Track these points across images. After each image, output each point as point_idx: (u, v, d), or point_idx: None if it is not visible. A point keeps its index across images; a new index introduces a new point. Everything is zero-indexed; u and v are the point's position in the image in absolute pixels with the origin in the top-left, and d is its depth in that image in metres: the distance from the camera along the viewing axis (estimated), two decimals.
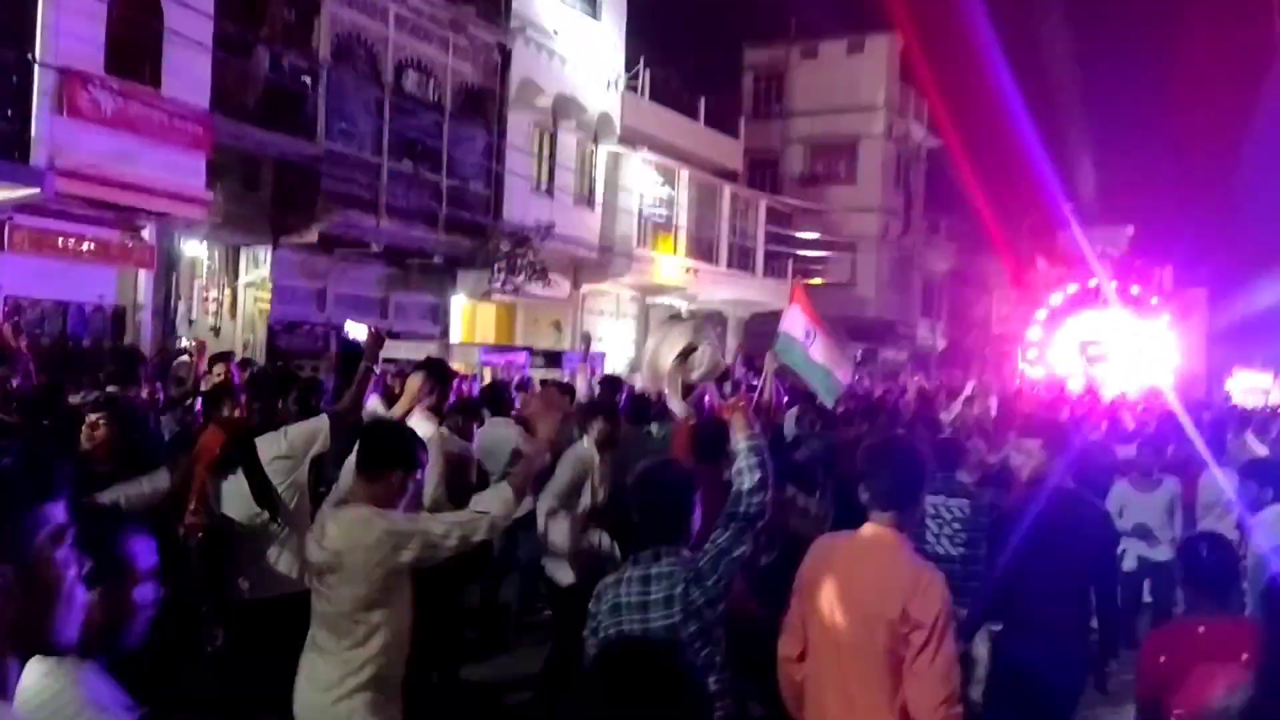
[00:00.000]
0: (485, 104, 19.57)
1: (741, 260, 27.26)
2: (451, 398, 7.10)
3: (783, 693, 3.53)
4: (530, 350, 18.00)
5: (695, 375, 4.22)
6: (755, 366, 9.80)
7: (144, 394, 7.58)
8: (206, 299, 15.20)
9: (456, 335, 19.39)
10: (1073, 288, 29.14)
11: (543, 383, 12.96)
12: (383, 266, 17.99)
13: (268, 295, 15.78)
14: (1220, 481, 7.09)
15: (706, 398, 6.35)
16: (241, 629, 4.90)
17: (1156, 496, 7.64)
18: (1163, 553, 7.47)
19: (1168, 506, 7.64)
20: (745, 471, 3.35)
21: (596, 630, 3.32)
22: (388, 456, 3.73)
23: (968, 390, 9.63)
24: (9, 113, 11.49)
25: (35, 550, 1.49)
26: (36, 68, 11.59)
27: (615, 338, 24.01)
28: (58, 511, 1.53)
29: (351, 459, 3.98)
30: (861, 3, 29.74)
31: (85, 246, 12.81)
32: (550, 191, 21.22)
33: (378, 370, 5.23)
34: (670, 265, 24.36)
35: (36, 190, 11.51)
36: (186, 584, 4.61)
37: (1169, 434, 9.04)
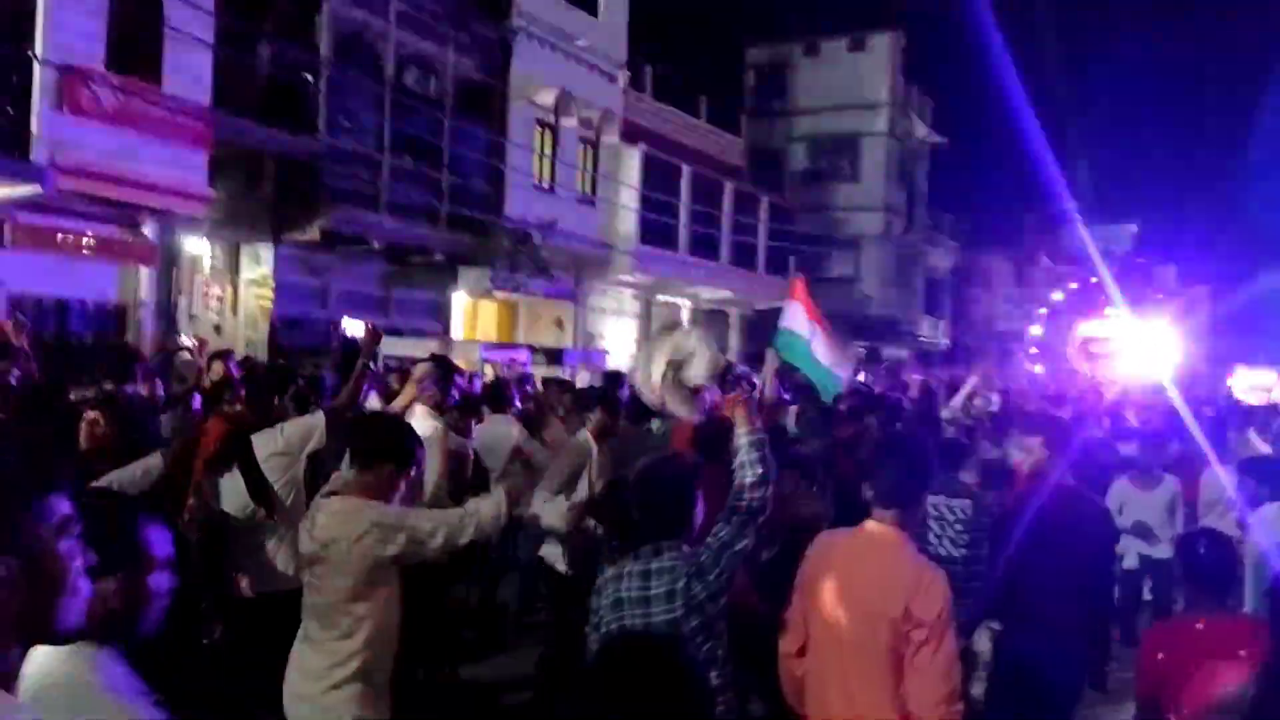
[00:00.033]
0: (487, 100, 19.56)
1: (743, 258, 27.23)
2: (454, 395, 7.09)
3: (784, 687, 3.54)
4: (532, 348, 17.99)
5: (696, 380, 4.21)
6: (757, 365, 9.78)
7: (143, 391, 7.57)
8: (208, 296, 15.19)
9: (458, 332, 19.38)
10: (1075, 285, 29.12)
11: (544, 380, 12.96)
12: (384, 263, 17.98)
13: (269, 292, 15.77)
14: (1222, 479, 7.07)
15: (707, 395, 6.32)
16: (241, 624, 4.90)
17: (1157, 494, 7.63)
18: (1163, 550, 7.45)
19: (1168, 504, 7.62)
20: (747, 466, 3.36)
21: (598, 625, 3.32)
22: (378, 448, 3.74)
23: (969, 385, 9.59)
24: (9, 109, 11.48)
25: (40, 542, 1.50)
26: (37, 64, 11.58)
27: (617, 335, 23.99)
28: (62, 504, 1.55)
29: None
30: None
31: (86, 243, 12.80)
32: (552, 188, 21.21)
33: (374, 367, 5.23)
34: (672, 262, 24.34)
35: (37, 187, 11.50)
36: (186, 578, 4.60)
37: (1171, 431, 9.01)
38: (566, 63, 21.29)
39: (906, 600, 3.13)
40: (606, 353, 20.90)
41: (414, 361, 7.02)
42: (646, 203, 23.07)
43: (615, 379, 9.30)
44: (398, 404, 5.14)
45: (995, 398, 10.99)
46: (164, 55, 13.04)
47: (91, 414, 5.15)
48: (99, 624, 1.92)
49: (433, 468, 5.96)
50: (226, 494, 4.88)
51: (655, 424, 7.68)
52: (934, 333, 37.72)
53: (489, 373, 15.12)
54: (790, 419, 8.89)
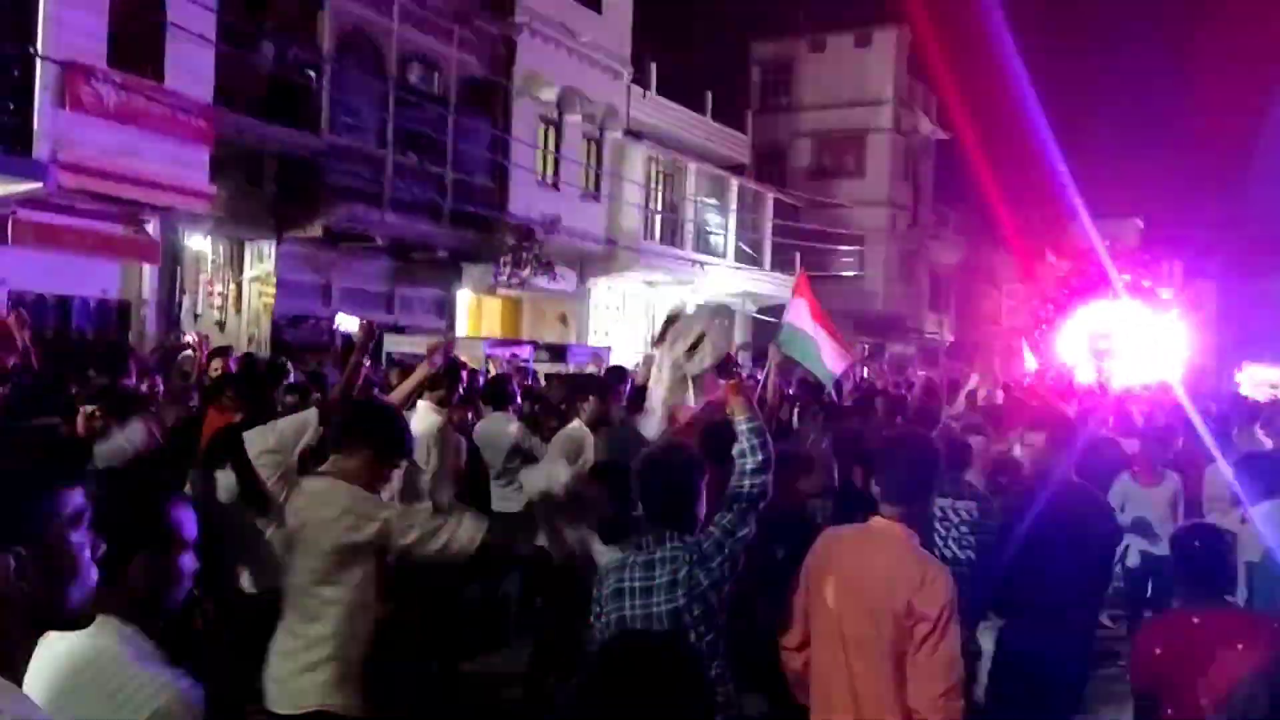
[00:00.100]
0: (490, 97, 19.55)
1: (748, 254, 27.20)
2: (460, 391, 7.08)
3: (787, 680, 3.54)
4: (535, 344, 17.98)
5: (703, 364, 4.20)
6: (763, 361, 9.76)
7: (143, 387, 7.58)
8: (211, 293, 15.21)
9: (462, 329, 19.39)
10: (1082, 281, 29.04)
11: (548, 377, 12.95)
12: (387, 260, 17.99)
13: (272, 289, 15.79)
14: (1226, 475, 7.03)
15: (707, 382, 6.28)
16: (242, 622, 4.88)
17: (1159, 491, 7.59)
18: (1164, 548, 7.39)
19: (1170, 501, 7.58)
20: (747, 453, 3.37)
21: (600, 615, 3.32)
22: (358, 432, 3.71)
23: (971, 383, 9.54)
24: (11, 106, 11.50)
25: (53, 533, 1.54)
26: (39, 61, 11.58)
27: (622, 332, 23.97)
28: (75, 496, 1.58)
29: None
30: None
31: (89, 240, 12.81)
32: (556, 185, 21.19)
33: (367, 364, 5.23)
34: (677, 259, 24.32)
35: (39, 184, 11.52)
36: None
37: (1175, 428, 8.96)
38: (570, 59, 21.28)
39: (910, 595, 3.12)
40: (610, 349, 20.88)
41: (417, 359, 6.98)
42: (651, 199, 23.06)
43: (618, 373, 9.26)
44: (406, 388, 5.08)
45: (999, 393, 10.95)
46: (166, 52, 13.05)
47: (89, 407, 5.18)
48: (126, 602, 1.97)
49: (432, 462, 5.94)
50: (225, 491, 4.86)
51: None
52: (939, 329, 37.67)
53: (492, 369, 15.09)
54: (795, 415, 8.86)
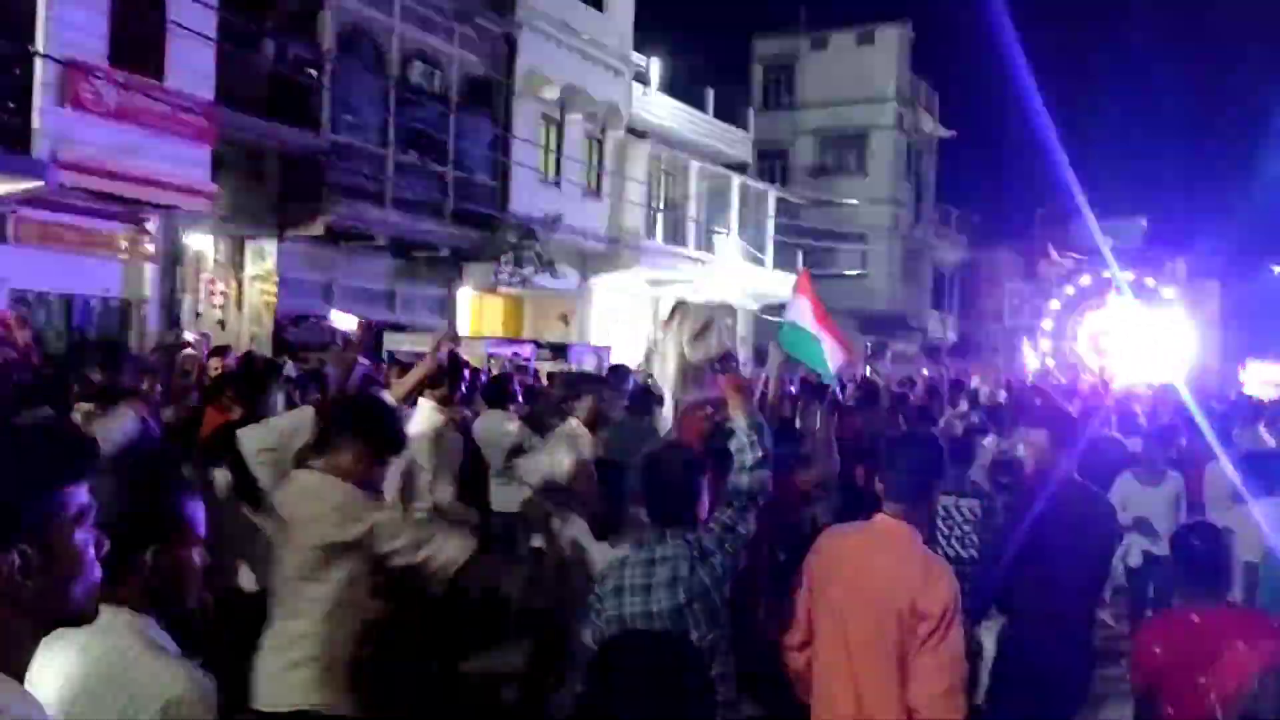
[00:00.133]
0: (492, 95, 19.54)
1: (751, 253, 27.17)
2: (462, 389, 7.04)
3: (790, 679, 3.53)
4: (537, 343, 17.96)
5: (704, 352, 4.18)
6: (764, 360, 9.73)
7: (143, 386, 7.56)
8: (212, 292, 15.21)
9: (464, 328, 19.36)
10: (1085, 279, 29.00)
11: (550, 375, 12.93)
12: (389, 258, 17.99)
13: (274, 288, 15.79)
14: (1228, 474, 7.00)
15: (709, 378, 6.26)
16: (242, 621, 4.87)
17: (1160, 490, 7.55)
18: (1165, 547, 7.37)
19: (1172, 500, 7.55)
20: (746, 449, 3.36)
21: (600, 613, 3.30)
22: (350, 426, 3.63)
23: (972, 383, 9.53)
24: (11, 105, 11.49)
25: (57, 530, 1.53)
26: (39, 60, 11.58)
27: (623, 330, 23.95)
28: (80, 494, 1.57)
29: None
30: None
31: (90, 239, 12.81)
32: (558, 183, 21.17)
33: (364, 362, 5.19)
34: (679, 257, 24.29)
35: (40, 183, 11.51)
36: None
37: (1177, 427, 8.94)
38: (572, 57, 21.25)
39: (913, 595, 3.11)
40: (610, 348, 20.86)
41: (418, 356, 6.95)
42: (653, 197, 23.04)
43: (620, 372, 9.23)
44: (406, 382, 5.03)
45: (1001, 392, 10.94)
46: (167, 50, 13.05)
47: (86, 405, 5.17)
48: (139, 592, 1.98)
49: (433, 460, 5.91)
50: (220, 486, 4.85)
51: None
52: (942, 327, 37.64)
53: (494, 368, 15.08)
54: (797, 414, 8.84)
